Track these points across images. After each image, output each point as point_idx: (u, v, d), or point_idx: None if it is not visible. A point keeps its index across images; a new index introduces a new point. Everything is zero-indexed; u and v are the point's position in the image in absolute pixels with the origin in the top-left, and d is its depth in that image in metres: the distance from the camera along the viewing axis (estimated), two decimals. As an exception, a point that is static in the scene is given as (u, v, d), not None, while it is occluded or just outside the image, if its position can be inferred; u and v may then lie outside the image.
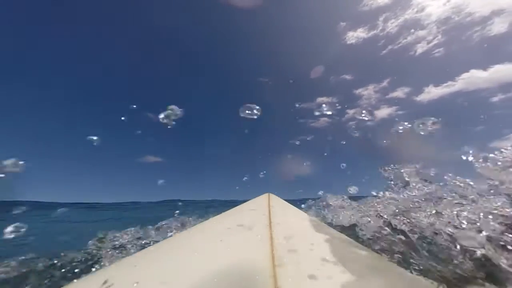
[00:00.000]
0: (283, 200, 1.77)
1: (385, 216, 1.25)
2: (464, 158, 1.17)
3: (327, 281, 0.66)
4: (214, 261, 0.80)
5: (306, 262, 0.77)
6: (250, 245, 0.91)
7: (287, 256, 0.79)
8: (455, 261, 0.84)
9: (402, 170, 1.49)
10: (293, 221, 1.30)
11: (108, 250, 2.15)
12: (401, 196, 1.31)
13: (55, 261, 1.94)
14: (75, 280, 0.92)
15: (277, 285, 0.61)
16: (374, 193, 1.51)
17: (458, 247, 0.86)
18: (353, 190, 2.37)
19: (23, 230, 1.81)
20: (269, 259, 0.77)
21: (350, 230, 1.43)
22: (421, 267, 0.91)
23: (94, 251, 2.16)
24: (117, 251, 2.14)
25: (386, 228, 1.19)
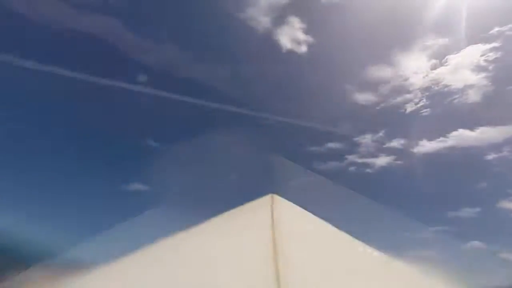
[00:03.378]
0: (287, 201, 1.74)
1: None
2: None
3: (331, 282, 0.63)
4: (215, 261, 0.78)
5: (309, 263, 0.74)
6: (252, 246, 0.89)
7: (290, 257, 0.77)
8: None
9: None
10: (296, 222, 1.27)
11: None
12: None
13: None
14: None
15: (280, 286, 0.59)
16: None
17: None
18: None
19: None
20: (272, 260, 0.74)
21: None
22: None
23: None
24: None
25: None
